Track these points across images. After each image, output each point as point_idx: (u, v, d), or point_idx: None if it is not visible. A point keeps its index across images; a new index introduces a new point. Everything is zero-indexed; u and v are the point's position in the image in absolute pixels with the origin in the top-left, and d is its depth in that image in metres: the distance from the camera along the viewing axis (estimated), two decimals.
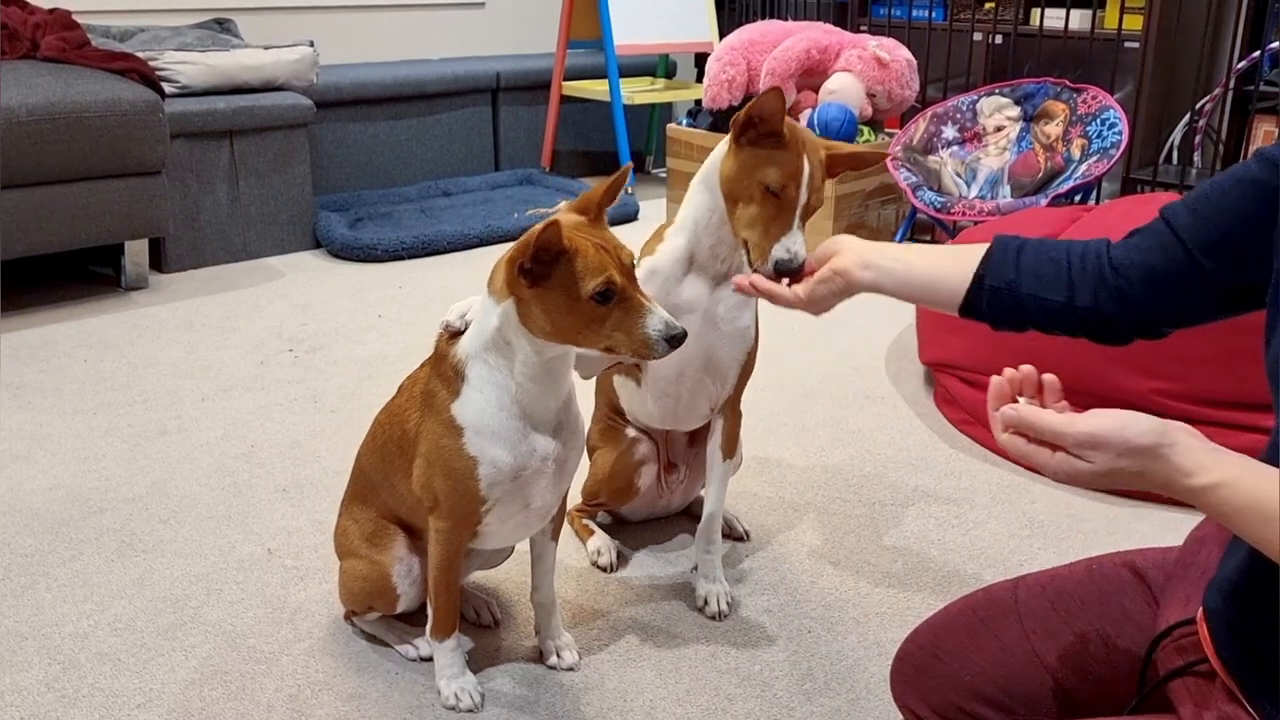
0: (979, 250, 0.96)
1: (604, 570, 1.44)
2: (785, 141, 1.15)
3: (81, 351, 2.21)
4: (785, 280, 1.12)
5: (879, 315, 2.50)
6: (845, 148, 1.22)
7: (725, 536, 1.50)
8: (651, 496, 1.49)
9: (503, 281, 1.02)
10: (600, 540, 1.47)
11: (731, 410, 1.35)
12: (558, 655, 1.24)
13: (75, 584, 1.38)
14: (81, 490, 1.63)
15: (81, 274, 2.72)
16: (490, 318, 1.03)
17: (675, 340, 0.99)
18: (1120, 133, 2.72)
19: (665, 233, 1.29)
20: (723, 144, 1.23)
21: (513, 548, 1.30)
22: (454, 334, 1.09)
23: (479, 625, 1.32)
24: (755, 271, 1.16)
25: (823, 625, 1.32)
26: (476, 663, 1.24)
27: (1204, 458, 0.72)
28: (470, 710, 1.15)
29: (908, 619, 1.32)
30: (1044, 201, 2.61)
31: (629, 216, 3.32)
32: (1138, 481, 0.74)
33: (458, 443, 1.05)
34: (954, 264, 0.98)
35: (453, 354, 1.06)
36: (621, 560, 1.46)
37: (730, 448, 1.37)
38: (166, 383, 2.05)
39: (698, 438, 1.47)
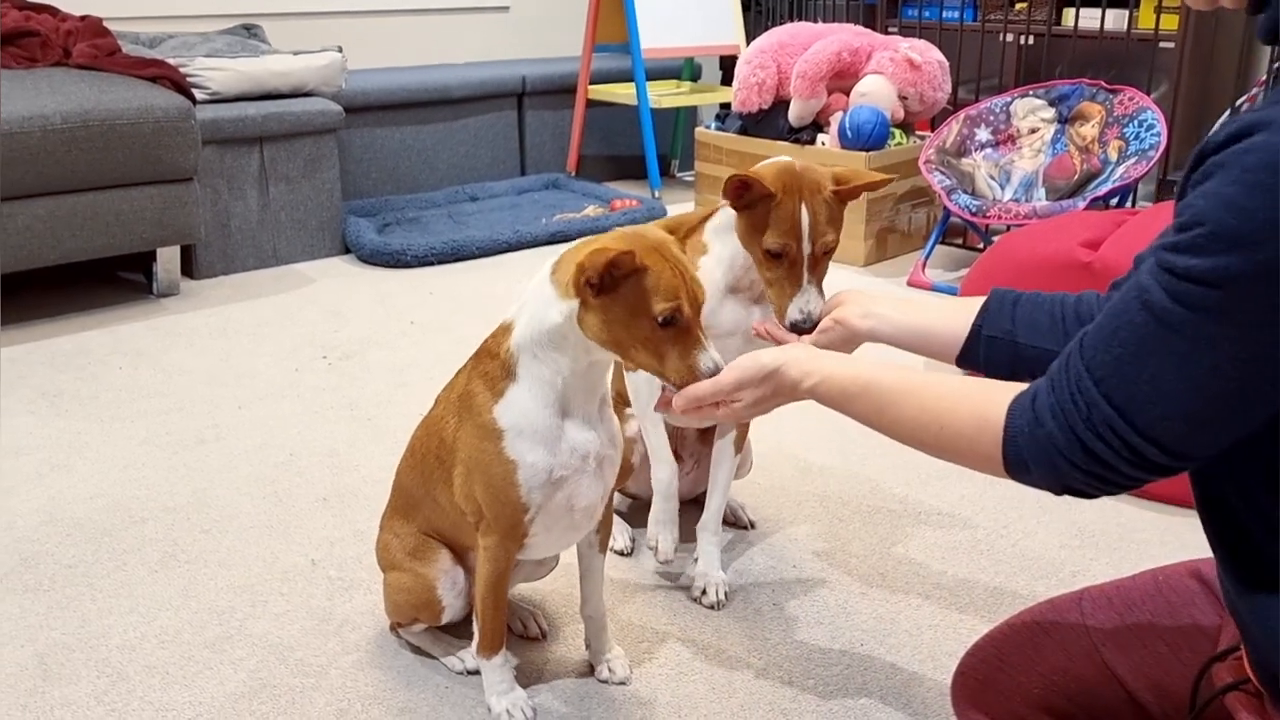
0: (976, 302, 1.02)
1: (620, 554, 1.48)
2: (779, 199, 1.15)
3: (116, 359, 2.21)
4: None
5: None
6: (852, 180, 1.19)
7: (730, 525, 1.56)
8: None
9: (570, 281, 0.99)
10: (616, 525, 1.50)
11: None
12: (609, 669, 1.22)
13: (120, 595, 1.37)
14: (122, 499, 1.63)
15: (111, 281, 2.72)
16: (550, 311, 1.01)
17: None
18: (1158, 134, 2.68)
19: (701, 261, 1.29)
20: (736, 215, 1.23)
21: (557, 559, 1.28)
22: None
23: (526, 638, 1.30)
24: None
25: (875, 638, 1.29)
26: (525, 677, 1.22)
27: (808, 365, 0.94)
28: None
29: (961, 632, 1.30)
30: (1081, 205, 2.57)
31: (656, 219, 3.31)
32: (780, 400, 0.97)
33: (497, 446, 1.04)
34: (951, 314, 1.04)
35: (505, 349, 1.05)
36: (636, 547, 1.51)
37: (741, 441, 1.43)
38: (202, 390, 2.05)
39: (707, 433, 1.50)
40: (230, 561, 1.45)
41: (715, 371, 0.99)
